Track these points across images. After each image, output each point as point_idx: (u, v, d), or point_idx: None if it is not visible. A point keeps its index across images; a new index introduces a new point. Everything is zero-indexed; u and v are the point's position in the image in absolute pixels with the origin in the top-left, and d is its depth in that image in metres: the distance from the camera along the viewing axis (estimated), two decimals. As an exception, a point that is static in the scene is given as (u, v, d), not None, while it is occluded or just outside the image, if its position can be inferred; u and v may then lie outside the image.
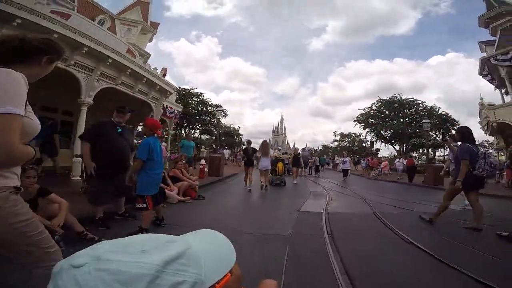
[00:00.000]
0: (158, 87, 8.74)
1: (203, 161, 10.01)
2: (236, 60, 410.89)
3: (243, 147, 10.75)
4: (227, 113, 32.16)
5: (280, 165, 10.28)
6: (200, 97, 28.52)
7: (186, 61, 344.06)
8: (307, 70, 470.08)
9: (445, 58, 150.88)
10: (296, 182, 10.08)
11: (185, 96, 28.01)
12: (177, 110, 12.73)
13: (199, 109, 28.15)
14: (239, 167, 16.57)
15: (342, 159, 15.42)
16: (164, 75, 15.47)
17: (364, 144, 41.23)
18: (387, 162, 17.96)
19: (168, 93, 9.53)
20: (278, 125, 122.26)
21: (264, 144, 8.42)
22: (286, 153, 16.56)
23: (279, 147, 26.02)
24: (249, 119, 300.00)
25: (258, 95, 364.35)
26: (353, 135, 41.57)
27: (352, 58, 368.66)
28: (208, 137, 35.77)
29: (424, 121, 15.38)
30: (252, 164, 8.21)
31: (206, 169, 9.72)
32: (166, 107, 11.75)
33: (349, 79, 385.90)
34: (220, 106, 30.99)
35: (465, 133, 4.09)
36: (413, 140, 27.04)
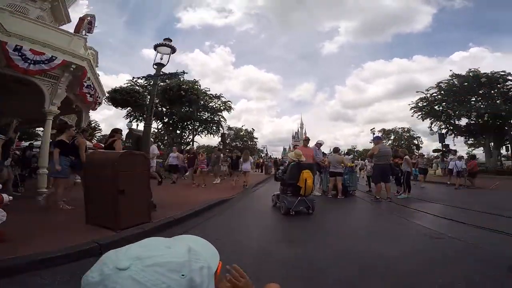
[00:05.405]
0: None
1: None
2: (250, 68, 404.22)
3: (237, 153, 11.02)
4: (232, 106, 24.24)
5: (307, 177, 2.70)
6: (196, 85, 20.91)
7: (202, 72, 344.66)
8: (323, 74, 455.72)
9: (469, 53, 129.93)
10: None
11: (172, 87, 20.35)
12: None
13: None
14: (234, 186, 9.16)
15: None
16: (82, 21, 8.07)
17: (415, 141, 31.87)
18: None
19: None
20: (298, 131, 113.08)
21: (245, 152, 10.00)
22: (339, 152, 7.70)
23: (320, 141, 16.80)
24: (268, 127, 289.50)
25: (276, 103, 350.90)
26: (400, 130, 32.24)
27: (369, 59, 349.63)
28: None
29: None
30: (237, 168, 9.90)
31: None
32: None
33: (368, 80, 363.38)
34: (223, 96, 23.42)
35: None
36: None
